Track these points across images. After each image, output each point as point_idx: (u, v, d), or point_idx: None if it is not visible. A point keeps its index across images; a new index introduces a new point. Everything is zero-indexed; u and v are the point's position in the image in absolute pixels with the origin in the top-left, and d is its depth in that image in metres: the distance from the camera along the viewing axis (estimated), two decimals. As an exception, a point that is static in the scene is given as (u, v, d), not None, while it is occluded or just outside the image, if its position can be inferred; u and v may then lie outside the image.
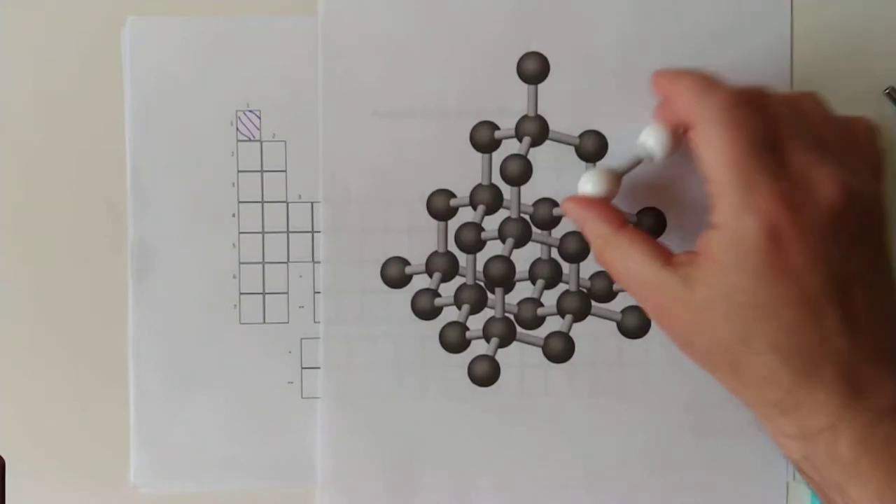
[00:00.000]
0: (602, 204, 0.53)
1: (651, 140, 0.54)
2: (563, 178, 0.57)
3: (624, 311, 0.58)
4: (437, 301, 0.58)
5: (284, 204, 0.58)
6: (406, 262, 0.58)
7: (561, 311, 0.58)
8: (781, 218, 0.47)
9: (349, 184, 0.57)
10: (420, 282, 0.58)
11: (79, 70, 0.57)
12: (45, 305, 0.57)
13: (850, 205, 0.48)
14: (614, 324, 0.58)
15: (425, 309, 0.58)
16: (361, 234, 0.58)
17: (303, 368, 0.58)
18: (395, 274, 0.58)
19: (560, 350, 0.58)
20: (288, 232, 0.58)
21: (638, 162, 0.55)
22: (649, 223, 0.58)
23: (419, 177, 0.57)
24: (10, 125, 0.57)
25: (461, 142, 0.57)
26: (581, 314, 0.58)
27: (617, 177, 0.55)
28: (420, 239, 0.58)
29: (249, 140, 0.57)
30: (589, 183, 0.54)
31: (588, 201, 0.53)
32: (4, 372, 0.58)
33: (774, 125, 0.49)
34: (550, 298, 0.58)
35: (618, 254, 0.51)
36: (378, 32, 0.57)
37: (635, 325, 0.58)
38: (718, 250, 0.48)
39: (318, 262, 0.58)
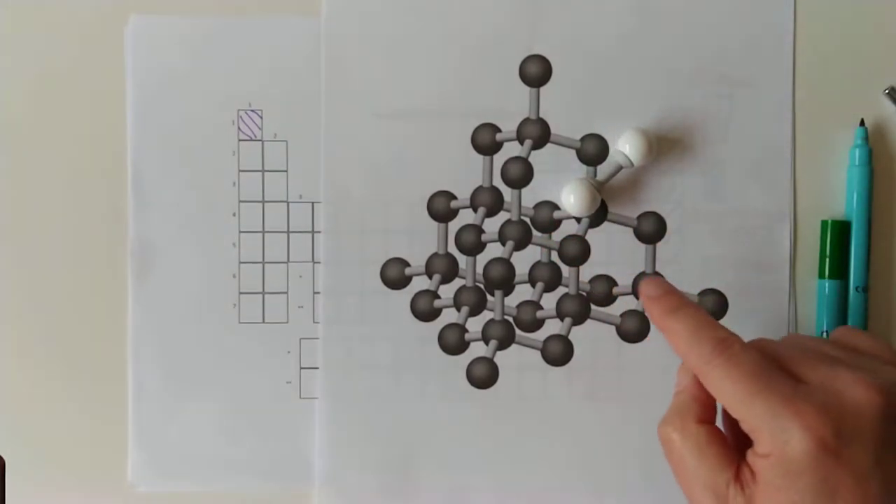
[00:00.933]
0: (699, 386, 0.50)
1: (627, 147, 0.56)
2: (563, 182, 0.57)
3: (623, 314, 0.58)
4: (437, 303, 0.58)
5: (285, 204, 0.58)
6: (406, 264, 0.58)
7: (560, 314, 0.58)
8: (825, 433, 0.46)
9: (350, 184, 0.57)
10: (420, 283, 0.58)
11: (81, 68, 0.57)
12: (44, 305, 0.57)
13: (888, 402, 0.47)
14: (613, 327, 0.58)
15: (424, 310, 0.58)
16: (361, 235, 0.58)
17: (301, 368, 0.58)
18: (394, 275, 0.58)
19: (559, 353, 0.58)
20: (288, 232, 0.58)
21: (618, 170, 0.56)
22: (650, 227, 0.58)
23: (420, 178, 0.57)
24: (11, 124, 0.57)
25: (462, 144, 0.58)
26: (580, 317, 0.58)
27: (598, 187, 0.56)
28: (420, 240, 0.58)
29: (251, 140, 0.57)
30: (571, 194, 0.56)
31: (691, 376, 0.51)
32: (4, 372, 0.57)
33: (775, 350, 0.49)
34: (550, 301, 0.58)
35: (690, 446, 0.50)
36: (380, 34, 0.57)
37: (634, 329, 0.58)
38: (773, 475, 0.47)
39: (318, 263, 0.58)
